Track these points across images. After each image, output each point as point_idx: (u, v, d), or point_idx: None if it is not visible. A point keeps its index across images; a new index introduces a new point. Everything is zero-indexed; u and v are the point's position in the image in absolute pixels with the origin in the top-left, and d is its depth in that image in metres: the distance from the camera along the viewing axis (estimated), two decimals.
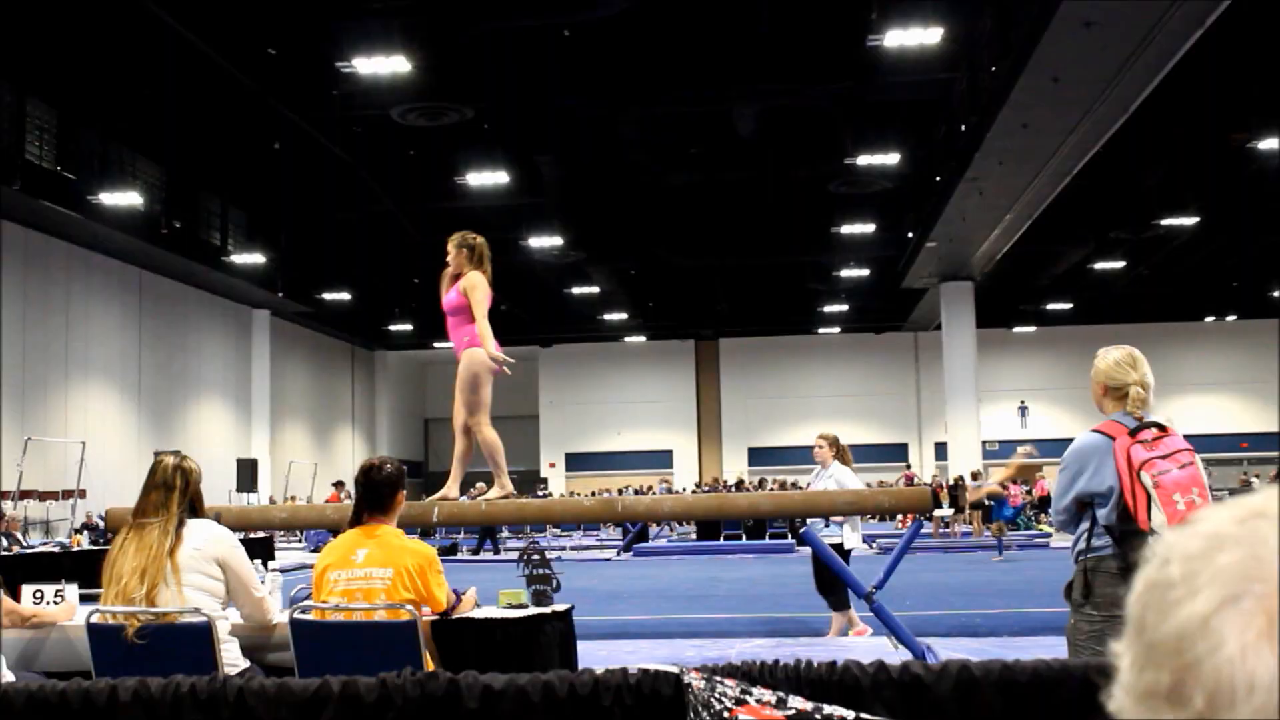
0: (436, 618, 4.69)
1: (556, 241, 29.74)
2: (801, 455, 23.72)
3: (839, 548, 9.09)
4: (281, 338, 37.09)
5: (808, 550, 9.28)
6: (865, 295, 38.10)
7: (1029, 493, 32.14)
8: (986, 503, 20.40)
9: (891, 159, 24.28)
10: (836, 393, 44.22)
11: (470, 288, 7.08)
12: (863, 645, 8.78)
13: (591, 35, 19.63)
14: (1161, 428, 4.15)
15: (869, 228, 29.60)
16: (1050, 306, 39.82)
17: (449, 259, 7.28)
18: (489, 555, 23.36)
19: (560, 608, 5.48)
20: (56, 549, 16.14)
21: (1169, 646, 0.66)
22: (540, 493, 37.38)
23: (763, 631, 10.18)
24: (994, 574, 16.68)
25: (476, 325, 7.06)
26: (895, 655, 7.17)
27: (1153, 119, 19.68)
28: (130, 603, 4.32)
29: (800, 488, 18.10)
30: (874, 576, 8.28)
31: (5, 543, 16.07)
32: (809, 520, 8.24)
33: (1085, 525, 4.21)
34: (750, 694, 2.43)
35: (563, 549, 23.98)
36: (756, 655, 2.85)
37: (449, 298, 7.20)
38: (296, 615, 4.47)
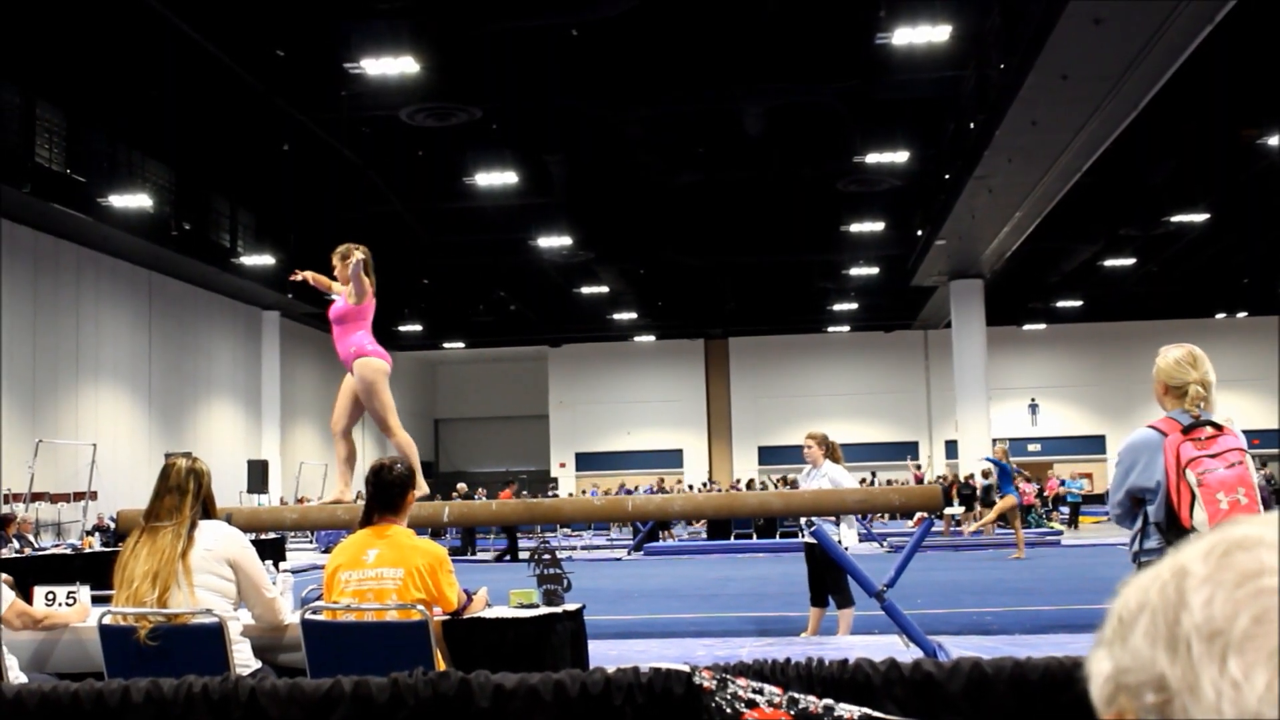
0: (448, 617, 4.69)
1: (565, 241, 29.75)
2: None
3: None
4: (291, 339, 37.13)
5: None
6: (875, 293, 38.06)
7: (1040, 491, 32.11)
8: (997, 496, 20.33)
9: (900, 157, 24.27)
10: (846, 391, 44.17)
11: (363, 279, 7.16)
12: (874, 644, 8.77)
13: (599, 35, 19.65)
14: (1218, 427, 4.13)
15: (878, 226, 29.59)
16: (1060, 304, 39.74)
17: (335, 272, 7.32)
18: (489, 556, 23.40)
19: (571, 607, 5.49)
20: (68, 551, 16.21)
21: None
22: (550, 493, 37.42)
23: (774, 631, 10.16)
24: (1005, 572, 16.65)
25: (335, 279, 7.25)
26: (907, 653, 7.17)
27: (1162, 115, 19.64)
28: (142, 606, 4.33)
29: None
30: (885, 575, 8.28)
31: (17, 545, 16.12)
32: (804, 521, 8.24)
33: (1139, 525, 4.21)
34: (761, 694, 2.43)
35: (573, 549, 23.98)
36: (768, 654, 2.85)
37: (334, 307, 7.24)
38: (308, 616, 4.48)
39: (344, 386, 7.34)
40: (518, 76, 20.59)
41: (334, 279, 7.48)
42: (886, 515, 29.85)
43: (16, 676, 4.34)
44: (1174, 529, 3.99)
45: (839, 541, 9.13)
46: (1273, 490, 27.35)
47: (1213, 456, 4.03)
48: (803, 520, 9.51)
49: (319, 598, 4.69)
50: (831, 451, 9.32)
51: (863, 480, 34.55)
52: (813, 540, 9.30)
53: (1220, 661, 0.66)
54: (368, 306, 7.21)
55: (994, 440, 26.53)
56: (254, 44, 19.72)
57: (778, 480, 32.97)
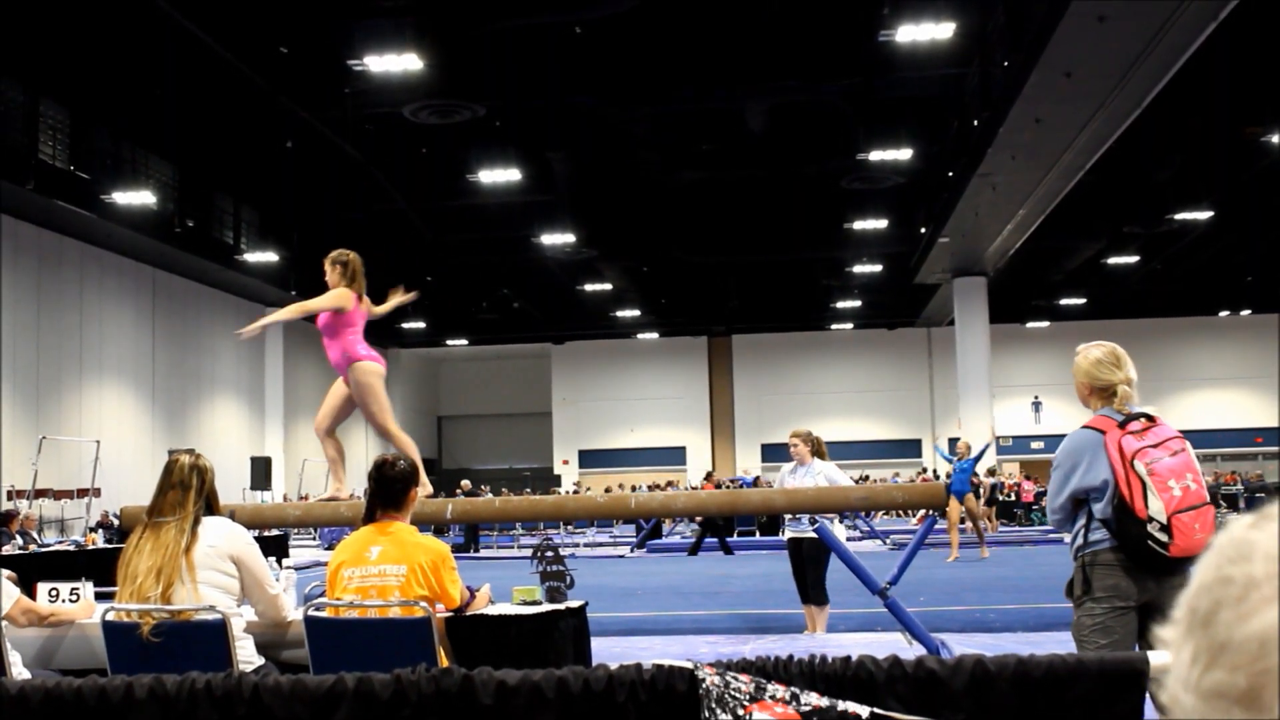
0: (450, 614, 4.70)
1: (569, 239, 29.75)
2: None
3: (816, 544, 9.07)
4: (294, 336, 37.09)
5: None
6: (878, 291, 38.03)
7: (1043, 493, 32.07)
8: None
9: (904, 154, 24.26)
10: (849, 388, 44.14)
11: (326, 296, 7.11)
12: (877, 641, 8.78)
13: (602, 32, 19.64)
14: (1150, 418, 4.14)
15: (881, 223, 29.57)
16: (1064, 301, 39.71)
17: (326, 278, 7.30)
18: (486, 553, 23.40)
19: (574, 604, 5.49)
20: (71, 547, 16.22)
21: (1248, 650, 0.63)
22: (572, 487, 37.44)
23: (777, 628, 10.17)
24: (1008, 569, 16.64)
25: (294, 306, 7.23)
26: (910, 651, 7.17)
27: (1166, 113, 19.62)
28: (146, 602, 4.33)
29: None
30: (888, 573, 8.28)
31: (21, 541, 16.14)
32: (788, 518, 8.25)
33: (1081, 522, 4.20)
34: (765, 690, 2.43)
35: (576, 546, 23.96)
36: (771, 651, 2.86)
37: (321, 317, 7.24)
38: (311, 612, 4.48)
39: (334, 389, 7.36)
40: (521, 74, 20.58)
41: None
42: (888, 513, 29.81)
43: (20, 673, 4.35)
44: (1129, 521, 3.99)
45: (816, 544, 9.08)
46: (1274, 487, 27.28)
47: (1155, 446, 4.05)
48: (786, 517, 9.50)
49: (322, 594, 4.69)
50: (818, 449, 9.31)
51: (865, 478, 34.54)
52: (796, 536, 9.31)
53: (1180, 639, 0.68)
54: (353, 312, 7.20)
55: (997, 437, 26.55)
56: (257, 41, 19.73)
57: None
